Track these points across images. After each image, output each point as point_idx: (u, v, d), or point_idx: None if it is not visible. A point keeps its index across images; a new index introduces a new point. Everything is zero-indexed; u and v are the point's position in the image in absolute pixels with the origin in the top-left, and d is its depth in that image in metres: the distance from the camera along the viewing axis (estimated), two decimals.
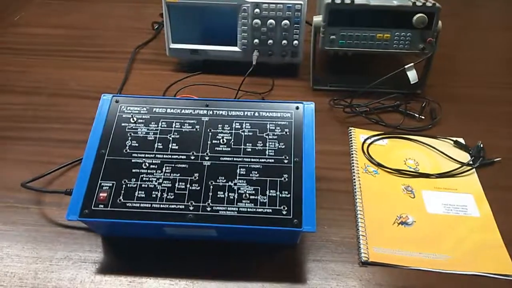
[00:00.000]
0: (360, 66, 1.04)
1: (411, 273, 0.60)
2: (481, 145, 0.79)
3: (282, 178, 0.60)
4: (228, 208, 0.58)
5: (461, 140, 0.82)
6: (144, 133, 0.64)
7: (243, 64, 0.95)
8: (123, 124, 0.65)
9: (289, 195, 0.59)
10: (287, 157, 0.62)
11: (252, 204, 0.58)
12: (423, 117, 0.88)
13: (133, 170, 0.61)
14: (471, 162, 0.77)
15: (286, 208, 0.57)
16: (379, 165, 0.76)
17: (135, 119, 0.65)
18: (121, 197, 0.58)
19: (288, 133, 0.64)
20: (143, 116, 0.66)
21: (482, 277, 0.60)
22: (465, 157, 0.79)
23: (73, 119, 0.88)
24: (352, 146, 0.81)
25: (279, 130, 0.64)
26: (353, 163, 0.77)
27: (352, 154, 0.79)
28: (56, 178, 0.74)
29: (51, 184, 0.73)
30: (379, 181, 0.74)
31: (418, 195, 0.71)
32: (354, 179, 0.74)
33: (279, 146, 0.63)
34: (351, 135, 0.83)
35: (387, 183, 0.73)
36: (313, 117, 0.65)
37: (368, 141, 0.82)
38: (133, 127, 0.65)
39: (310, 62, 0.96)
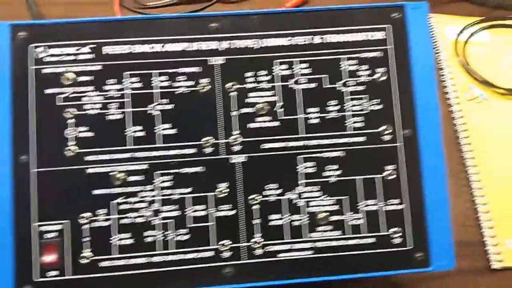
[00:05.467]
0: None
1: None
2: None
3: (385, 174, 0.32)
4: (294, 246, 0.31)
5: None
6: (98, 106, 0.32)
7: None
8: (48, 92, 0.31)
9: (401, 206, 0.32)
10: (389, 129, 0.32)
11: (338, 232, 0.31)
12: None
13: (95, 192, 0.31)
14: None
15: (399, 232, 0.32)
16: (486, 83, 0.48)
17: (71, 77, 0.31)
18: (86, 252, 0.30)
19: (384, 77, 0.33)
20: (88, 67, 0.32)
21: None
22: None
23: None
24: (438, 49, 0.50)
25: (367, 72, 0.33)
26: (445, 81, 0.49)
27: (442, 64, 0.50)
28: None
29: None
30: (492, 112, 0.47)
31: None
32: (453, 112, 0.47)
33: (371, 107, 0.33)
34: (431, 27, 0.52)
35: (505, 115, 0.47)
36: (429, 35, 0.33)
37: (463, 37, 0.51)
38: (72, 95, 0.31)
39: None
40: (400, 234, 0.31)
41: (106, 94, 0.31)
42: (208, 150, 0.31)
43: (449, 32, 0.51)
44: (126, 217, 0.30)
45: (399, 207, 0.32)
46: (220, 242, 0.31)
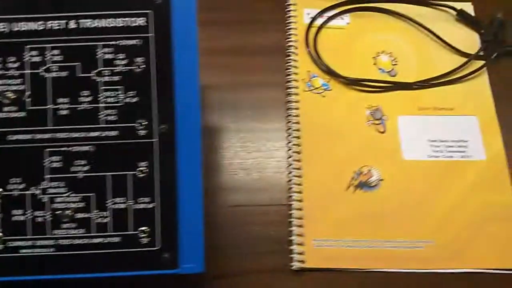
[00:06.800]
0: None
1: (371, 278, 0.39)
2: (501, 19, 0.48)
3: (137, 171, 0.30)
4: (37, 243, 0.30)
5: (469, 8, 0.50)
6: None
7: None
8: None
9: (152, 205, 0.30)
10: (144, 124, 0.31)
11: (82, 230, 0.30)
12: None
13: None
14: (481, 53, 0.47)
15: (147, 232, 0.30)
16: (330, 72, 0.46)
17: None
18: None
19: (142, 67, 0.31)
20: None
21: (486, 274, 0.38)
22: (472, 40, 0.48)
23: None
24: (290, 35, 0.48)
25: (124, 61, 0.31)
26: (289, 71, 0.46)
27: (290, 51, 0.47)
28: None
29: None
30: (331, 104, 0.44)
31: (392, 126, 0.43)
32: (291, 103, 0.44)
33: (127, 99, 0.31)
34: (289, 12, 0.49)
35: (343, 107, 0.44)
36: (195, 24, 0.31)
37: (318, 22, 0.48)
38: None
39: None
40: (148, 234, 0.30)
41: None
42: None
43: (306, 16, 0.48)
44: None
45: (150, 206, 0.30)
46: None
